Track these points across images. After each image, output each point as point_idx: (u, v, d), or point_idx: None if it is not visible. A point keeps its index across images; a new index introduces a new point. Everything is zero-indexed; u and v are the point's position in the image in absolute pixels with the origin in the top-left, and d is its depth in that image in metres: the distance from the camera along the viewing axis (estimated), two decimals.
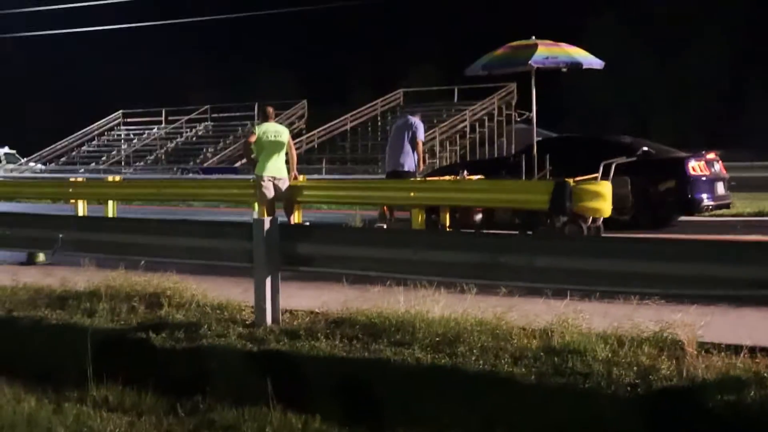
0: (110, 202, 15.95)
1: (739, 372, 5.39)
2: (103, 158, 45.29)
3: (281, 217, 11.39)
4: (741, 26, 59.07)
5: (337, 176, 29.74)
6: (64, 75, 72.61)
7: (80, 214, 15.39)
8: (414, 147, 14.08)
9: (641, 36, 61.47)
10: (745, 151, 45.37)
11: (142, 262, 8.65)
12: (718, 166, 14.74)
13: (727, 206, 15.46)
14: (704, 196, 14.06)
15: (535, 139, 13.90)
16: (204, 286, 8.34)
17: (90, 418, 5.75)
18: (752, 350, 5.70)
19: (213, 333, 6.95)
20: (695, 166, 14.05)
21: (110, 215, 15.46)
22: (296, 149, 15.17)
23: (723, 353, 5.73)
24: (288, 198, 13.34)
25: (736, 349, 5.73)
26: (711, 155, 14.74)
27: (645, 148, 14.33)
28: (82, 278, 8.86)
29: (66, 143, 48.09)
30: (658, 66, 61.60)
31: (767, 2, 55.75)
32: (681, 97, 61.36)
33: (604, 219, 11.93)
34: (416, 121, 14.28)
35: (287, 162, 13.28)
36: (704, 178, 14.14)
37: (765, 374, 5.26)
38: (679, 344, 5.87)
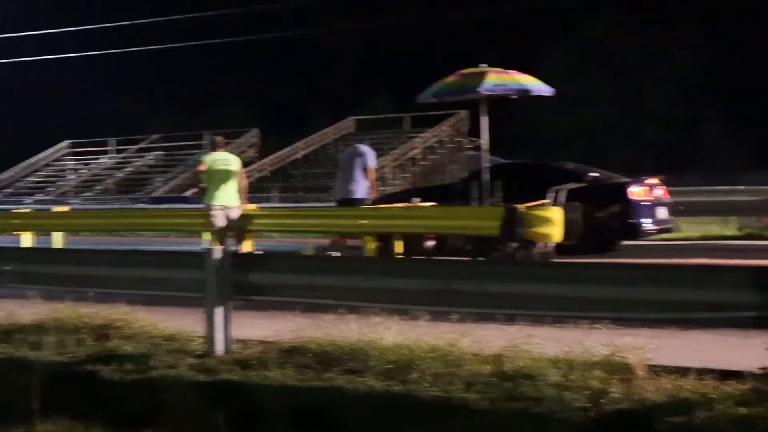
0: (57, 234, 15.73)
1: (687, 394, 5.45)
2: (50, 189, 44.71)
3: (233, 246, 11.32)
4: (696, 52, 60.32)
5: (289, 204, 29.66)
6: (8, 104, 71.65)
7: (26, 245, 15.16)
8: (366, 174, 14.13)
9: (594, 63, 62.48)
10: (696, 176, 46.16)
11: (90, 293, 8.52)
12: (660, 192, 14.96)
13: (669, 230, 15.68)
14: (646, 220, 14.25)
15: (485, 165, 14.01)
16: (154, 317, 8.24)
17: None
18: (700, 372, 5.76)
19: (163, 364, 6.86)
20: (637, 192, 14.24)
21: (57, 246, 15.25)
22: (248, 178, 15.13)
23: (672, 375, 5.79)
24: (239, 227, 13.27)
25: (685, 372, 5.80)
26: (653, 180, 14.95)
27: (594, 174, 14.54)
28: (28, 311, 8.70)
29: (11, 174, 47.37)
30: (610, 92, 62.60)
31: (720, 30, 57.06)
32: (634, 123, 62.39)
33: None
34: (366, 148, 14.34)
35: (238, 191, 13.23)
36: (646, 203, 14.34)
37: (713, 396, 5.33)
38: (629, 367, 5.92)
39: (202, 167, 12.94)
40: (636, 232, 14.46)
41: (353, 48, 66.06)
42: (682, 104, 61.17)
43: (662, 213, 14.81)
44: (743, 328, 6.18)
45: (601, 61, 62.54)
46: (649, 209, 14.42)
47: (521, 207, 11.72)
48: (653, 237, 15.56)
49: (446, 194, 15.12)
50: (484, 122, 14.02)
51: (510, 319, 6.92)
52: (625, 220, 14.15)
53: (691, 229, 19.55)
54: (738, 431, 4.84)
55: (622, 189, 14.31)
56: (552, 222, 11.75)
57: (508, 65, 14.21)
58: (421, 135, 39.26)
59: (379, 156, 39.79)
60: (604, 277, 6.25)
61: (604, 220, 14.13)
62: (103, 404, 6.34)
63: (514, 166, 18.01)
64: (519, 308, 6.52)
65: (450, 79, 13.88)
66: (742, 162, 52.81)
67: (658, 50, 61.27)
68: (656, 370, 5.89)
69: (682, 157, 56.20)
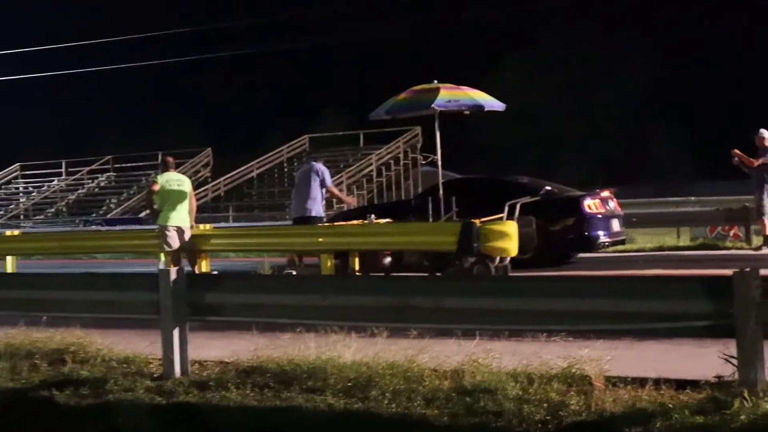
0: (8, 258, 15.50)
1: (645, 404, 5.49)
2: (1, 212, 44.03)
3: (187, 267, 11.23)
4: (643, 66, 61.27)
5: (244, 224, 29.50)
6: None
7: None
8: (325, 192, 14.13)
9: (544, 76, 63.21)
10: (647, 187, 46.84)
11: (44, 317, 8.40)
12: (612, 204, 15.16)
13: (623, 242, 15.89)
14: (600, 233, 14.42)
15: (441, 181, 14.06)
16: (110, 340, 8.14)
17: None
18: (657, 382, 5.82)
19: (120, 387, 6.77)
20: (590, 204, 14.40)
21: (9, 271, 15.02)
22: (202, 198, 15.06)
23: (629, 386, 5.84)
24: (191, 248, 13.18)
25: (642, 382, 5.85)
26: (606, 193, 15.14)
27: (548, 188, 14.66)
28: None
29: None
30: (561, 106, 63.38)
31: (668, 43, 58.00)
32: (584, 136, 63.16)
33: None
34: (321, 166, 14.33)
35: (189, 212, 13.13)
36: (600, 216, 14.51)
37: (670, 405, 5.38)
38: (587, 379, 5.96)
39: (156, 187, 12.84)
40: (591, 244, 14.62)
41: (305, 65, 66.06)
42: (630, 117, 62.11)
43: (615, 225, 14.99)
44: (697, 338, 6.27)
45: (550, 74, 63.30)
46: (603, 221, 14.59)
47: (477, 222, 11.77)
48: (608, 249, 15.73)
49: (402, 211, 15.14)
50: (438, 138, 14.09)
51: (468, 334, 6.94)
52: (579, 232, 14.29)
53: (645, 240, 19.80)
54: None
55: (576, 202, 14.44)
56: (507, 236, 11.81)
57: (460, 80, 14.32)
58: (376, 152, 39.32)
59: (334, 173, 39.78)
60: (559, 290, 6.29)
61: (559, 233, 14.25)
62: (58, 430, 6.24)
63: (468, 181, 18.09)
64: (477, 323, 6.55)
65: (403, 95, 13.94)
66: (690, 174, 53.73)
67: (608, 64, 62.19)
68: (614, 381, 5.94)
69: (631, 169, 57.03)
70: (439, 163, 14.38)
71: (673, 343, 6.96)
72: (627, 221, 16.67)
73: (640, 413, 5.31)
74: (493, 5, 56.37)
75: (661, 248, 18.33)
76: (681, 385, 5.83)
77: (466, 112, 14.23)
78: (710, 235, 19.34)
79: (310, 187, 14.03)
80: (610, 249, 16.07)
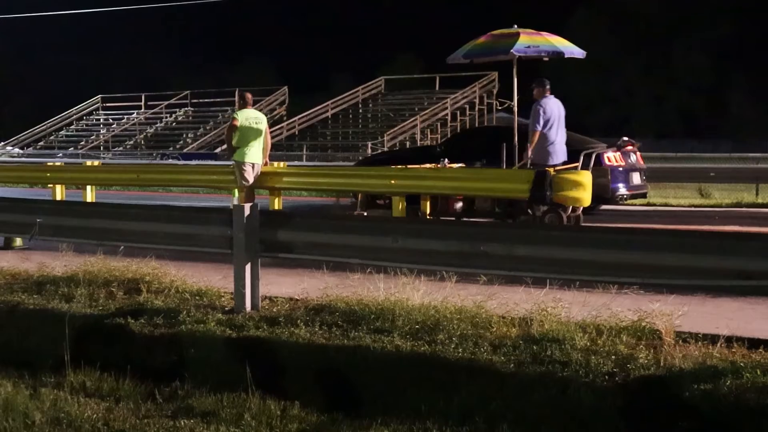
0: (89, 187, 15.85)
1: (715, 361, 5.43)
2: (82, 143, 45.01)
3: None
4: (723, 20, 59.55)
5: (317, 163, 29.65)
6: (42, 58, 72.02)
7: (58, 198, 15.29)
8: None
9: (623, 28, 61.89)
10: (726, 142, 45.77)
11: (121, 247, 8.61)
12: (634, 157, 14.91)
13: (644, 195, 15.62)
14: (620, 185, 14.23)
15: (516, 127, 13.87)
16: (183, 272, 8.32)
17: (67, 404, 5.70)
18: (729, 340, 5.75)
19: (192, 319, 6.93)
20: (610, 157, 14.17)
21: (88, 200, 15.37)
22: (277, 136, 15.13)
23: (700, 343, 5.78)
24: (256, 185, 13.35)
25: (713, 339, 5.78)
26: (627, 146, 14.83)
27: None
28: (59, 263, 8.80)
29: (44, 127, 47.76)
30: (640, 58, 62.06)
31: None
32: (662, 89, 61.86)
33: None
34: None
35: (263, 149, 13.24)
36: (620, 169, 14.29)
37: (741, 364, 5.31)
38: (657, 333, 5.91)
39: (236, 123, 12.95)
40: (610, 196, 14.38)
41: (384, 6, 65.57)
42: (710, 70, 60.55)
43: (636, 178, 14.80)
44: None
45: (628, 24, 61.93)
46: (624, 174, 14.41)
47: (551, 170, 11.65)
48: (622, 202, 15.31)
49: (428, 157, 14.74)
50: (515, 84, 13.88)
51: (538, 283, 6.92)
52: (600, 184, 13.93)
53: (722, 195, 19.41)
54: (765, 400, 4.82)
55: (597, 154, 14.11)
56: (581, 186, 11.68)
57: (536, 27, 14.04)
58: (452, 96, 39.04)
59: (408, 116, 39.81)
60: (633, 242, 6.20)
61: None
62: (132, 357, 6.41)
63: (481, 131, 17.76)
64: (547, 272, 6.52)
65: (482, 39, 13.73)
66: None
67: (687, 14, 60.58)
68: (684, 337, 5.88)
69: (710, 123, 55.67)
70: (515, 109, 14.20)
71: (747, 302, 6.85)
72: (704, 176, 16.28)
73: (710, 370, 5.26)
74: None
75: (738, 204, 17.96)
76: (754, 344, 5.75)
77: (545, 59, 13.97)
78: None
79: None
80: (686, 203, 15.77)
